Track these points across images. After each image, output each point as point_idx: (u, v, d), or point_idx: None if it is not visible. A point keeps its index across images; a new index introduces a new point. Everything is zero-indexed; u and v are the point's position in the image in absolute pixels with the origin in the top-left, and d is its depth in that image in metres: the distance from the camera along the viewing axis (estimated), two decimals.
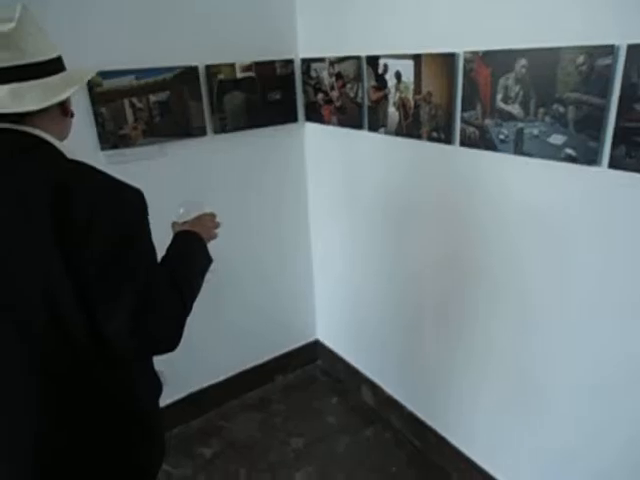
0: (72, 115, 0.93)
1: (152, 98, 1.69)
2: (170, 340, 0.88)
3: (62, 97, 0.83)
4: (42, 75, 0.82)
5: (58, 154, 0.84)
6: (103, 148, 1.65)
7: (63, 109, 0.89)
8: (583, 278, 1.22)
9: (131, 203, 0.83)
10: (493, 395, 1.58)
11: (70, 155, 0.86)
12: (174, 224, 1.13)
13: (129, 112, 1.66)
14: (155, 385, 1.06)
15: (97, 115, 1.61)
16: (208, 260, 1.06)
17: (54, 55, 0.85)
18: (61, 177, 0.79)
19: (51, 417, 0.85)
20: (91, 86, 1.55)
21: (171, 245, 1.01)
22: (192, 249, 1.03)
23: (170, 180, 1.79)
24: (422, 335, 1.82)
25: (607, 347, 1.21)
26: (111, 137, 1.66)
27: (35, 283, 0.78)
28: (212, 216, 1.17)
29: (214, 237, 1.14)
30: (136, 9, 1.61)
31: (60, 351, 0.82)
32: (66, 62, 0.90)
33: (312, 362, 2.53)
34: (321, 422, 2.15)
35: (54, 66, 0.85)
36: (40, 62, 0.81)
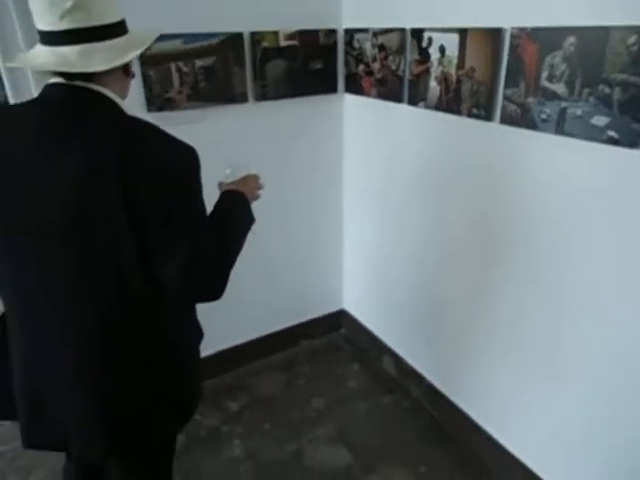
0: (133, 76, 0.99)
1: (198, 63, 1.74)
2: (215, 289, 0.95)
3: (126, 59, 0.89)
4: (109, 37, 0.87)
5: (120, 111, 0.90)
6: (150, 110, 1.71)
7: (125, 70, 0.94)
8: (620, 256, 1.22)
9: (186, 156, 0.90)
10: (513, 370, 1.62)
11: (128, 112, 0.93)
12: (221, 184, 1.19)
13: (175, 76, 1.71)
14: (196, 334, 1.14)
15: (146, 77, 1.67)
16: (251, 219, 1.11)
17: (119, 18, 0.90)
18: (125, 132, 0.85)
19: (105, 353, 0.95)
20: None
21: (217, 203, 1.08)
22: (236, 208, 1.09)
23: (211, 143, 1.82)
24: (447, 308, 1.86)
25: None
26: (157, 100, 1.72)
27: (103, 231, 0.85)
28: (256, 177, 1.22)
29: (257, 198, 1.20)
30: None
31: (118, 294, 0.91)
32: None
33: (337, 330, 2.61)
34: (342, 386, 2.23)
35: (119, 29, 0.90)
36: (107, 25, 0.86)
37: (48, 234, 0.86)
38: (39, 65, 0.86)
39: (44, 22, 0.83)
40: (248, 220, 1.11)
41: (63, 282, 0.90)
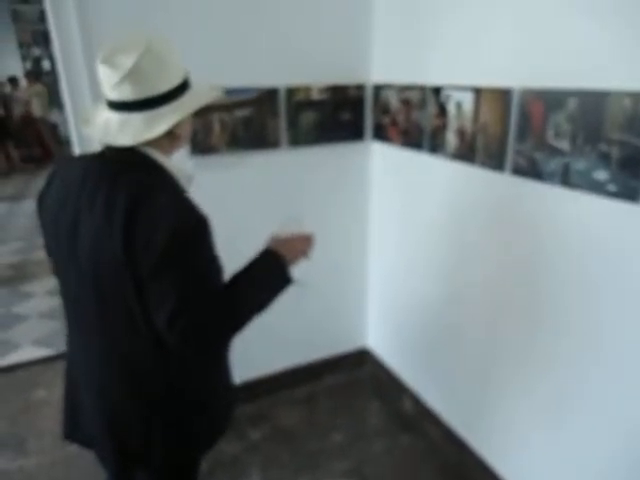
0: (183, 136, 1.06)
1: (237, 113, 1.93)
2: (203, 348, 0.99)
3: (152, 134, 0.95)
4: (150, 107, 0.95)
5: (154, 169, 0.99)
6: (193, 154, 1.91)
7: (170, 134, 1.00)
8: (620, 306, 1.27)
9: (187, 223, 0.93)
10: (532, 418, 1.63)
11: (174, 162, 1.04)
12: (272, 237, 1.20)
13: (217, 125, 1.91)
14: (213, 378, 1.16)
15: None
16: (284, 282, 1.11)
17: (166, 88, 0.96)
18: (142, 188, 0.94)
19: (117, 381, 1.06)
20: None
21: (252, 261, 1.11)
22: (266, 272, 1.11)
23: (247, 184, 2.04)
24: (468, 353, 1.90)
25: None
26: (200, 145, 1.91)
27: (113, 273, 0.94)
28: (306, 238, 1.22)
29: (305, 258, 1.21)
30: (233, 39, 1.87)
31: (130, 333, 1.00)
32: None
33: (360, 367, 2.66)
34: (361, 423, 2.27)
35: (166, 97, 0.97)
36: (150, 97, 0.95)
37: (79, 271, 0.98)
38: (90, 134, 1.01)
39: (104, 88, 0.98)
40: (278, 283, 1.11)
41: (88, 309, 1.02)
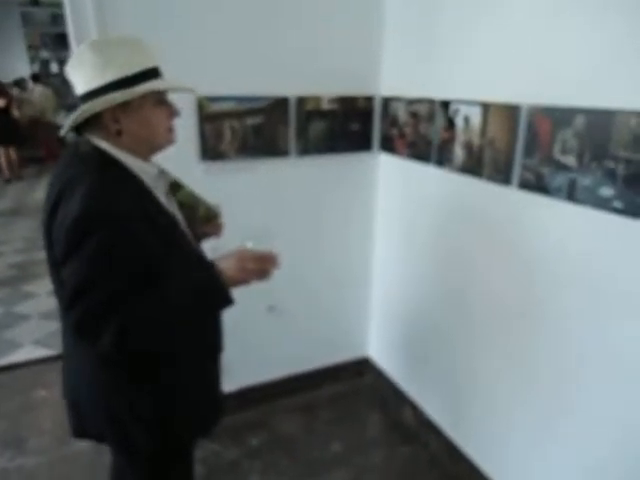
0: (119, 133, 1.04)
1: (248, 121, 1.96)
2: (105, 346, 0.95)
3: (67, 125, 1.04)
4: (85, 100, 1.02)
5: (96, 160, 1.01)
6: (203, 159, 1.93)
7: (106, 128, 1.03)
8: (623, 321, 1.29)
9: (86, 220, 0.93)
10: (532, 431, 1.64)
11: (134, 161, 1.06)
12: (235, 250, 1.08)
13: (227, 132, 1.94)
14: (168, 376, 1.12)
15: (202, 132, 1.90)
16: (217, 301, 1.05)
17: (97, 84, 1.00)
18: (70, 179, 0.99)
19: (73, 361, 1.17)
20: (201, 108, 1.85)
21: (195, 271, 1.06)
22: (198, 286, 1.03)
23: (256, 191, 2.06)
24: (470, 365, 1.91)
25: None
26: (210, 151, 1.94)
27: (53, 261, 1.02)
28: (266, 258, 1.06)
29: (262, 279, 1.08)
30: (244, 48, 1.90)
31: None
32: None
33: (360, 376, 2.66)
34: (361, 433, 2.27)
35: (93, 95, 1.01)
36: (86, 92, 1.02)
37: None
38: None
39: None
40: (208, 301, 1.05)
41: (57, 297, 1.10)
